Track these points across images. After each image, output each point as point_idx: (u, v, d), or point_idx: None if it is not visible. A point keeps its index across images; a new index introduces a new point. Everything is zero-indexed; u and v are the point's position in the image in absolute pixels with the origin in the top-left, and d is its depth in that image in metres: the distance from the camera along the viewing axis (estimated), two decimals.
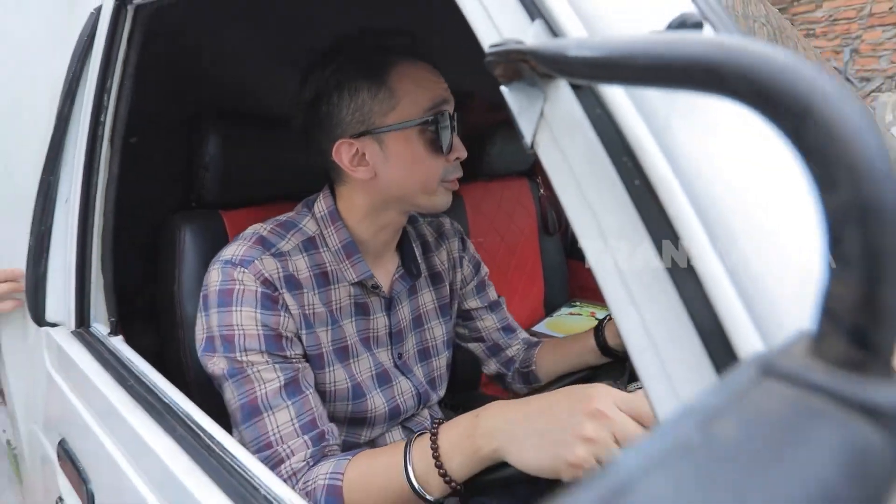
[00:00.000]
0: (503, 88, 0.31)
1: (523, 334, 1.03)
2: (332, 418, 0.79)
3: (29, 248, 0.80)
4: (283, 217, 0.82)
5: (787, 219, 0.22)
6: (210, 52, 1.00)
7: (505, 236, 1.55)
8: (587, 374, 0.93)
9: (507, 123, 1.54)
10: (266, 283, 0.73)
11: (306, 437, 0.70)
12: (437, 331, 0.95)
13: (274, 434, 0.69)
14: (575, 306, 1.71)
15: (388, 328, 0.88)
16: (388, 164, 0.75)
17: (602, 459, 0.51)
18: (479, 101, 1.44)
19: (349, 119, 0.74)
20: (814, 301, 0.14)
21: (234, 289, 0.71)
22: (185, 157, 0.97)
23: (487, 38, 0.32)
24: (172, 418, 0.58)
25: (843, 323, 0.13)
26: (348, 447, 0.82)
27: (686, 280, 0.24)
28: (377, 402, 0.84)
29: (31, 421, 0.88)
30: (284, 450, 0.69)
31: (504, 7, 0.31)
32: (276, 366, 0.71)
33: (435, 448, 0.62)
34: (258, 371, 0.70)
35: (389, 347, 0.88)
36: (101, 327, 0.81)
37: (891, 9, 4.03)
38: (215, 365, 0.71)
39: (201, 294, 0.74)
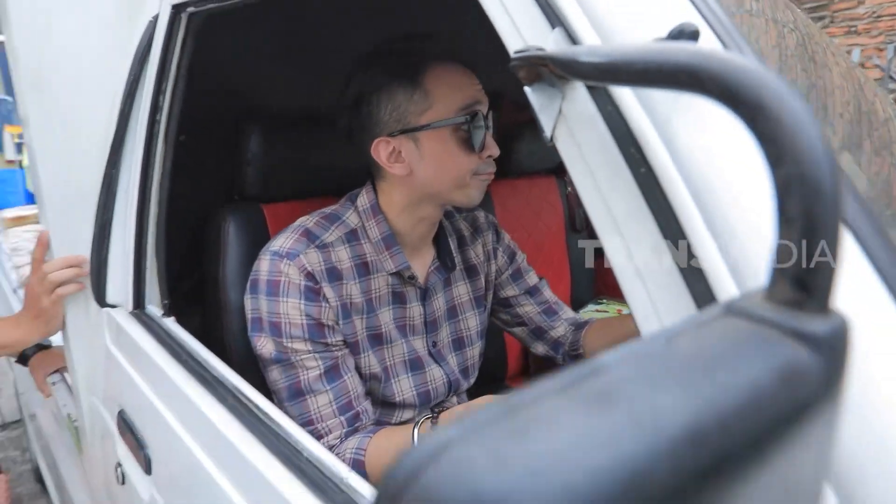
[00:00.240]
0: (526, 89, 0.35)
1: (568, 314, 1.04)
2: (370, 399, 0.85)
3: (93, 235, 0.88)
4: (327, 210, 0.88)
5: (756, 191, 0.26)
6: (254, 56, 1.07)
7: (532, 233, 1.58)
8: None
9: (535, 121, 1.57)
10: (309, 276, 0.79)
11: (342, 418, 0.77)
12: (472, 321, 0.99)
13: (315, 413, 0.76)
14: (602, 303, 1.72)
15: (424, 317, 0.93)
16: (422, 162, 0.80)
17: None
18: (507, 101, 1.47)
19: (387, 119, 0.79)
20: (767, 256, 0.18)
21: (281, 281, 0.78)
22: (229, 153, 1.04)
23: (513, 44, 0.36)
24: (223, 389, 0.64)
25: (788, 272, 0.17)
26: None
27: (682, 252, 0.27)
28: (403, 386, 0.89)
29: (91, 394, 0.96)
30: (323, 427, 0.77)
31: (527, 16, 0.35)
32: (317, 354, 0.78)
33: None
34: (301, 359, 0.77)
35: (424, 335, 0.93)
36: (154, 309, 0.88)
37: None
38: (263, 346, 0.78)
39: (251, 278, 0.81)
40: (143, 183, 0.84)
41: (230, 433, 0.58)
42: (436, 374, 0.93)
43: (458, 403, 1.00)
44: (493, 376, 1.37)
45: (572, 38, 0.33)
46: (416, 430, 0.69)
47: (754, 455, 0.16)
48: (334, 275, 0.82)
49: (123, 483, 0.84)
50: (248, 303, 0.80)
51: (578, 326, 1.05)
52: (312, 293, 0.79)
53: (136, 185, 0.85)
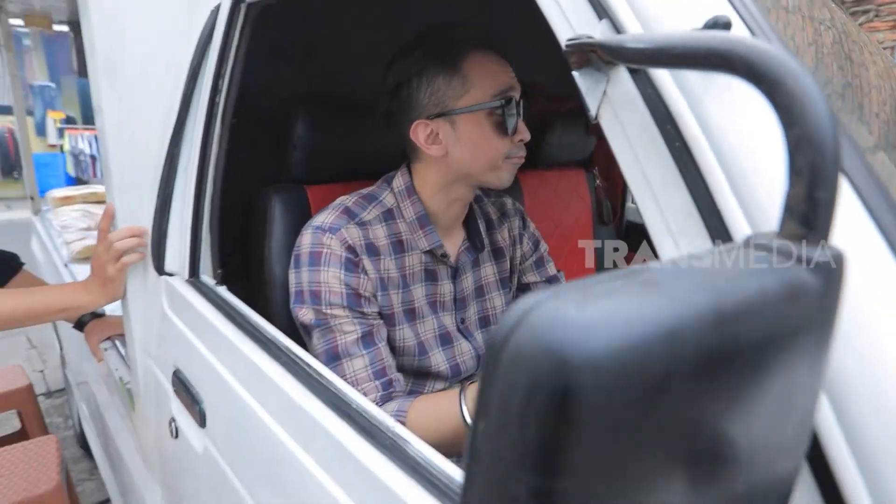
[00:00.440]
0: (574, 73, 0.39)
1: None
2: (401, 370, 0.90)
3: (155, 209, 0.95)
4: (365, 190, 0.94)
5: (773, 158, 0.30)
6: (302, 44, 1.13)
7: (560, 224, 1.61)
8: None
9: (566, 114, 1.61)
10: (350, 249, 0.84)
11: (377, 382, 0.82)
12: (497, 301, 1.04)
13: (350, 376, 0.81)
14: None
15: (453, 294, 0.98)
16: (458, 143, 0.85)
17: None
18: (538, 92, 1.51)
19: (426, 102, 0.84)
20: (779, 202, 0.22)
21: (323, 252, 0.84)
22: (275, 137, 1.10)
23: (563, 33, 0.41)
24: (276, 349, 0.70)
25: (796, 212, 0.21)
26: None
27: (711, 215, 0.32)
28: (438, 359, 0.94)
29: (146, 356, 1.04)
30: (359, 391, 0.82)
31: (577, 8, 0.40)
32: (355, 320, 0.83)
33: None
34: (339, 323, 0.82)
35: (453, 312, 0.98)
36: (208, 278, 0.95)
37: None
38: (304, 315, 0.83)
39: (293, 254, 0.87)
40: (201, 162, 0.91)
41: (285, 386, 0.64)
42: (464, 349, 0.98)
43: None
44: None
45: (617, 28, 0.37)
46: (462, 395, 0.74)
47: (761, 352, 0.20)
48: (373, 250, 0.87)
49: (177, 437, 0.92)
50: (292, 277, 0.86)
51: None
52: (352, 265, 0.84)
53: (196, 164, 0.92)
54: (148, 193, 1.00)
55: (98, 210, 2.46)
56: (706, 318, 0.17)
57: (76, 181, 6.54)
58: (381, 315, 0.88)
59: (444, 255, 0.95)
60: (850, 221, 0.27)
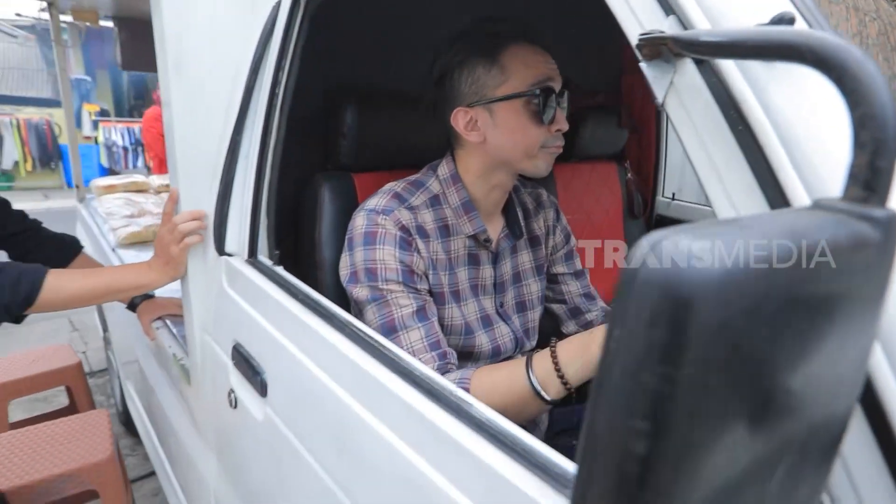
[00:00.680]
0: (642, 64, 0.44)
1: (602, 303, 1.14)
2: None
3: (217, 193, 1.01)
4: (412, 177, 0.99)
5: (831, 137, 0.34)
6: (354, 39, 1.19)
7: (591, 216, 1.65)
8: None
9: (600, 109, 1.64)
10: (403, 228, 0.89)
11: (433, 353, 0.86)
12: (533, 287, 1.08)
13: (407, 348, 0.86)
14: None
15: (493, 279, 1.03)
16: (495, 130, 0.89)
17: None
18: (573, 87, 1.55)
19: (466, 91, 0.89)
20: (844, 172, 0.26)
21: (378, 231, 0.89)
22: (324, 126, 1.16)
23: (631, 29, 0.45)
24: (338, 321, 0.76)
25: (859, 179, 0.25)
26: None
27: (773, 190, 0.36)
28: (482, 340, 0.99)
29: (204, 332, 1.11)
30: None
31: (645, 7, 0.44)
32: (410, 295, 0.88)
33: (555, 358, 0.75)
34: (395, 297, 0.87)
35: (493, 296, 1.03)
36: (265, 259, 1.01)
37: None
38: (359, 292, 0.88)
39: (346, 237, 0.92)
40: (261, 149, 0.97)
41: (350, 353, 0.70)
42: (503, 331, 1.03)
43: None
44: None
45: (684, 25, 0.42)
46: (530, 362, 0.77)
47: (831, 295, 0.25)
48: (423, 232, 0.92)
49: (236, 407, 0.98)
50: (345, 260, 0.91)
51: (609, 314, 1.13)
52: (406, 243, 0.89)
53: (256, 152, 0.98)
54: (208, 180, 1.06)
55: (138, 198, 2.56)
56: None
57: (109, 171, 6.74)
58: (431, 293, 0.93)
59: (487, 240, 1.00)
60: None
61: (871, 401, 0.31)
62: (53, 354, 2.17)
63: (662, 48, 0.40)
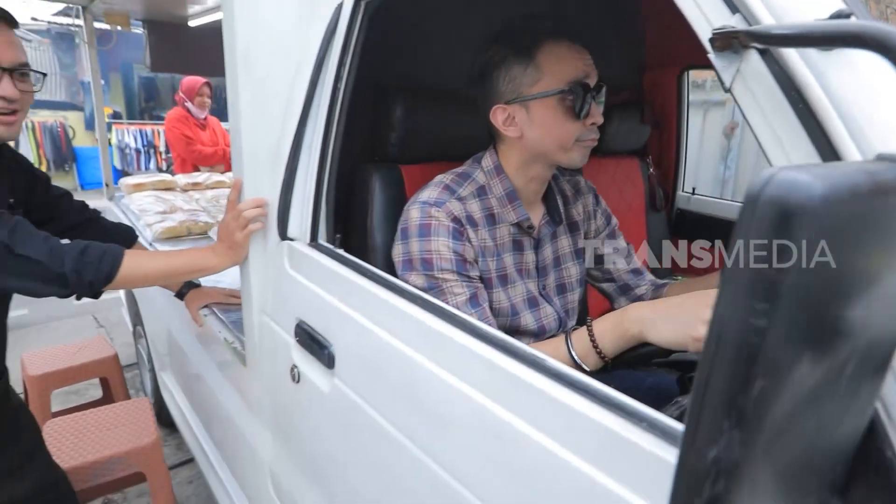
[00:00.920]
0: (711, 55, 0.51)
1: (650, 276, 1.21)
2: None
3: (282, 181, 1.09)
4: (458, 169, 1.07)
5: (885, 113, 0.42)
6: (404, 36, 1.27)
7: (615, 209, 1.71)
8: None
9: (624, 105, 1.72)
10: (455, 220, 0.97)
11: None
12: (573, 270, 1.16)
13: None
14: (677, 280, 1.86)
15: (536, 263, 1.10)
16: (531, 126, 0.96)
17: None
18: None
19: (503, 89, 0.96)
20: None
21: (432, 223, 0.96)
22: (368, 119, 1.24)
23: (699, 26, 0.53)
24: (408, 294, 0.83)
25: None
26: None
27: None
28: (528, 320, 1.07)
29: (262, 314, 1.19)
30: None
31: (713, 6, 0.52)
32: (463, 283, 0.95)
33: (591, 333, 0.83)
34: (450, 286, 0.95)
35: (536, 279, 1.11)
36: (325, 243, 1.09)
37: None
38: (415, 280, 0.96)
39: (400, 227, 1.00)
40: (324, 140, 1.05)
41: (423, 318, 0.77)
42: (548, 311, 1.10)
43: None
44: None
45: (748, 21, 0.49)
46: (569, 337, 0.85)
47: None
48: (472, 221, 1.00)
49: (299, 381, 1.06)
50: (399, 248, 0.98)
51: (658, 286, 1.19)
52: (458, 234, 0.97)
53: (319, 142, 1.05)
54: (268, 171, 1.14)
55: (167, 196, 2.65)
56: (872, 187, 0.29)
57: (122, 173, 6.83)
58: (481, 279, 1.00)
59: (530, 227, 1.07)
60: None
61: None
62: (90, 346, 2.25)
63: (733, 41, 0.48)
